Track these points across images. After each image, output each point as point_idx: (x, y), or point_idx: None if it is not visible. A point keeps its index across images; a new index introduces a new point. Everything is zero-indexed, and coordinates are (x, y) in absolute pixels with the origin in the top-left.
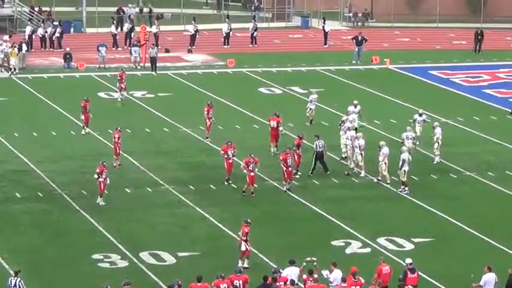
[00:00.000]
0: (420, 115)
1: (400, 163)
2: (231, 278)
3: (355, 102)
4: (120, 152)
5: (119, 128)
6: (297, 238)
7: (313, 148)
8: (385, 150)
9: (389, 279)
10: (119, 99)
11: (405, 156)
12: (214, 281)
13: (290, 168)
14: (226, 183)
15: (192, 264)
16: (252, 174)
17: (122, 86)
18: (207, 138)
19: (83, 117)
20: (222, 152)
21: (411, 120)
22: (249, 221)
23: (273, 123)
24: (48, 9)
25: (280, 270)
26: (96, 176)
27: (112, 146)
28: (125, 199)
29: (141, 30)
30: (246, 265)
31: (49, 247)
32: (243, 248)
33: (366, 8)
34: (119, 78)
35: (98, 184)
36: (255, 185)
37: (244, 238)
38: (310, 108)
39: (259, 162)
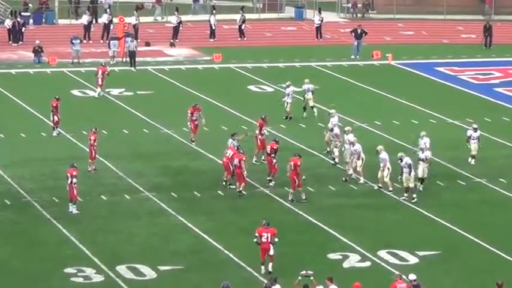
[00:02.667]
0: (475, 130)
1: (406, 169)
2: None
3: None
4: (96, 155)
5: (95, 129)
6: (290, 250)
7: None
8: (384, 155)
9: None
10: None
11: (407, 160)
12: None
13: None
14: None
15: (174, 279)
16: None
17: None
18: (192, 141)
19: (54, 118)
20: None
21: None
22: (268, 222)
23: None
24: None
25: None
26: (68, 180)
27: (87, 149)
28: (100, 207)
29: (119, 22)
30: (270, 269)
31: (16, 259)
32: (272, 252)
33: None
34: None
35: (69, 189)
36: (242, 183)
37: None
38: (287, 103)
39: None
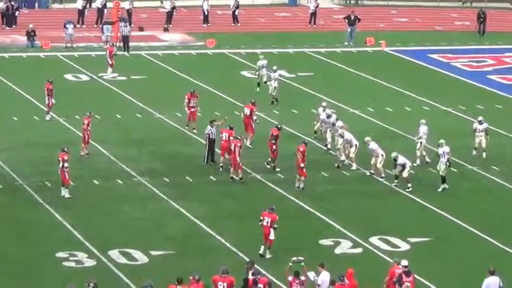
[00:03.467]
0: (480, 122)
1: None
2: (215, 280)
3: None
4: (89, 140)
5: (89, 113)
6: (282, 236)
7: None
8: (372, 145)
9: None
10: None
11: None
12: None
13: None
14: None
15: (166, 263)
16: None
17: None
18: (187, 126)
19: (51, 100)
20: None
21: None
22: (273, 207)
23: (247, 111)
24: None
25: (259, 274)
26: (60, 164)
27: (80, 134)
28: (93, 192)
29: (114, 6)
30: (268, 256)
31: (9, 244)
32: (272, 237)
33: None
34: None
35: (61, 174)
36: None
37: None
38: (274, 87)
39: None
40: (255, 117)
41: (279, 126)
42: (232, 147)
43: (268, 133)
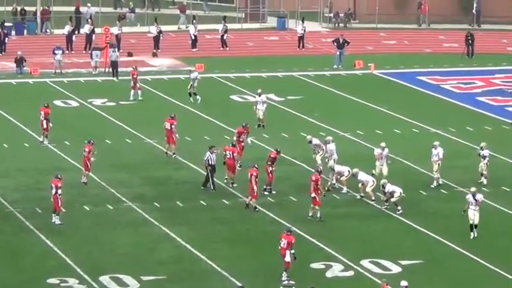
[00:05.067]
0: (482, 149)
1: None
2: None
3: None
4: (90, 167)
5: (92, 141)
6: (273, 260)
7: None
8: (362, 176)
9: None
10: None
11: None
12: None
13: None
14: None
15: None
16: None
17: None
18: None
19: (49, 125)
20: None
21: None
22: (291, 230)
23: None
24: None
25: None
26: (53, 191)
27: (70, 160)
28: (83, 217)
29: (103, 31)
30: (284, 278)
31: (0, 270)
32: (287, 259)
33: (348, 8)
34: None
35: (54, 200)
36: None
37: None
38: (260, 110)
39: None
40: (249, 140)
41: (278, 149)
42: (229, 154)
43: (260, 157)
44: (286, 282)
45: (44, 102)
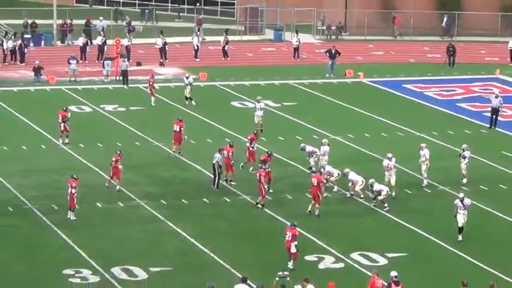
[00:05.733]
0: (463, 151)
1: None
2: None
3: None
4: (118, 177)
5: (119, 152)
6: (271, 253)
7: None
8: (352, 176)
9: None
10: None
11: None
12: None
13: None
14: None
15: (164, 279)
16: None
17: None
18: (179, 153)
19: (66, 127)
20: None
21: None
22: (295, 224)
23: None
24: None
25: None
26: (69, 190)
27: (83, 160)
28: (96, 214)
29: (114, 43)
30: (290, 266)
31: (19, 263)
32: (293, 250)
33: (339, 21)
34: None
35: (70, 198)
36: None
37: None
38: (258, 116)
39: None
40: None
41: (270, 152)
42: (225, 153)
43: (258, 158)
44: (280, 273)
45: (62, 107)
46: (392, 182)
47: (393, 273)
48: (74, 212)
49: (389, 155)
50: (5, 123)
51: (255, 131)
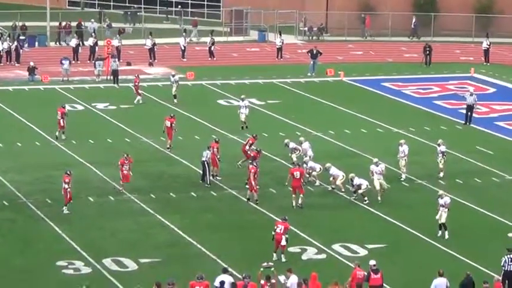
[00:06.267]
0: (439, 145)
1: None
2: (192, 285)
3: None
4: (128, 178)
5: (126, 156)
6: (255, 245)
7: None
8: (333, 170)
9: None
10: (140, 102)
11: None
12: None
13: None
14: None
15: (153, 270)
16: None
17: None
18: (168, 147)
19: (64, 123)
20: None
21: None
22: (286, 218)
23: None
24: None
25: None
26: (65, 185)
27: (77, 157)
28: (88, 207)
29: (106, 44)
30: (283, 259)
31: (14, 255)
32: (283, 243)
33: (321, 23)
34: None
35: (64, 193)
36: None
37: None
38: (243, 113)
39: None
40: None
41: (259, 149)
42: (248, 173)
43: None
44: (265, 264)
45: (60, 105)
46: (377, 186)
47: (372, 262)
48: (67, 206)
49: (375, 159)
50: (0, 121)
51: (254, 135)
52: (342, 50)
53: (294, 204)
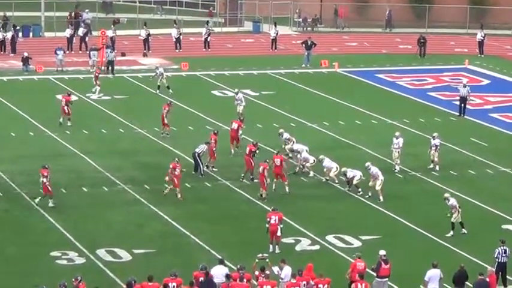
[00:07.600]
0: (433, 138)
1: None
2: (166, 281)
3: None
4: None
5: (177, 160)
6: (249, 235)
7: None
8: (327, 162)
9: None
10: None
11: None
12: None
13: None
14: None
15: (147, 261)
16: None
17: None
18: (162, 134)
19: (69, 110)
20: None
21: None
22: (277, 208)
23: (234, 125)
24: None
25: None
26: (43, 179)
27: (70, 146)
28: (82, 198)
29: (100, 34)
30: (277, 250)
31: (7, 245)
32: (279, 233)
33: (315, 14)
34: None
35: (44, 187)
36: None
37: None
38: (240, 105)
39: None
40: (240, 132)
41: (255, 143)
42: (261, 170)
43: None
44: (260, 255)
45: (66, 92)
46: (377, 187)
47: (382, 252)
48: (52, 199)
49: (367, 163)
50: None
51: (254, 143)
52: (336, 41)
53: (274, 187)
